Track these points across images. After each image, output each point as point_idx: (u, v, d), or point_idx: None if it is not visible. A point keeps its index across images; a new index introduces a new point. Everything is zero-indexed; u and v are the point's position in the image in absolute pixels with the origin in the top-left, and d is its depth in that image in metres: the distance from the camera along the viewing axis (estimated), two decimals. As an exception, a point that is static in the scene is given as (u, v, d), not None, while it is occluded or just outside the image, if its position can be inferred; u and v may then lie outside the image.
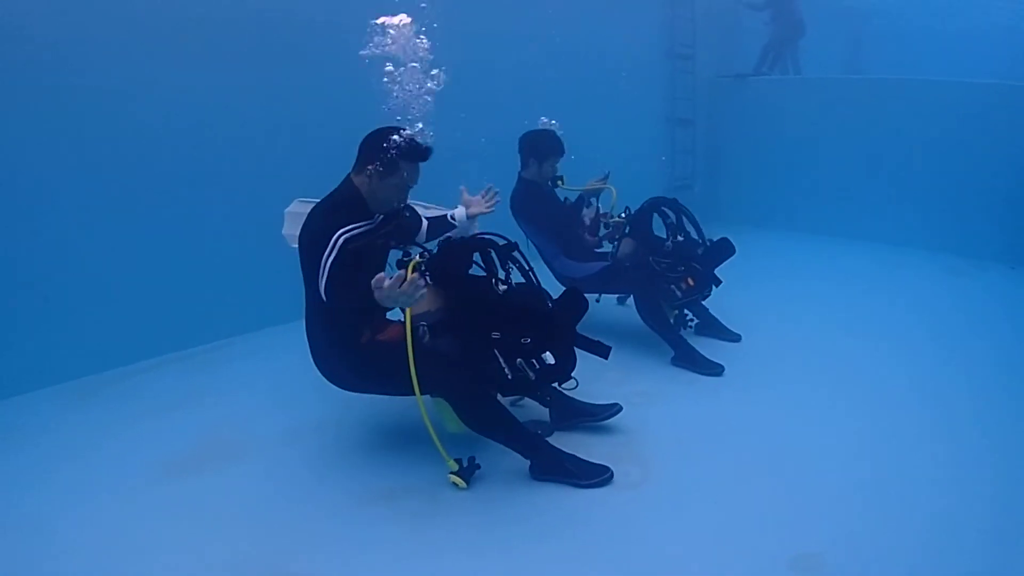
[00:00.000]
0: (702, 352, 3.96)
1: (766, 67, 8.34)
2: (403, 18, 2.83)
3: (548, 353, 2.65)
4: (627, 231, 4.14)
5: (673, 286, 3.93)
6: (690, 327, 4.37)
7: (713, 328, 4.38)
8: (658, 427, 3.31)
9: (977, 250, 5.92)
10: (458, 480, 2.80)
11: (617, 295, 4.90)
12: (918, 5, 9.31)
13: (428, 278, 2.59)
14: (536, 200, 4.32)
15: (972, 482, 2.78)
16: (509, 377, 2.63)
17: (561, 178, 4.38)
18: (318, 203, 2.79)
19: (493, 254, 2.80)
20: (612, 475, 2.84)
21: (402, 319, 2.75)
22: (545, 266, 4.43)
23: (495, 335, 2.62)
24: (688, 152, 7.78)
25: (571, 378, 2.85)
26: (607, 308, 4.72)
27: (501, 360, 2.63)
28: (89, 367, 4.13)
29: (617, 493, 2.80)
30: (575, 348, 2.75)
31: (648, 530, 2.58)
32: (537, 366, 2.63)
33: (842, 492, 2.74)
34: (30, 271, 3.90)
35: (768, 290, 5.17)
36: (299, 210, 3.08)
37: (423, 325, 2.70)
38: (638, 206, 4.15)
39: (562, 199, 4.53)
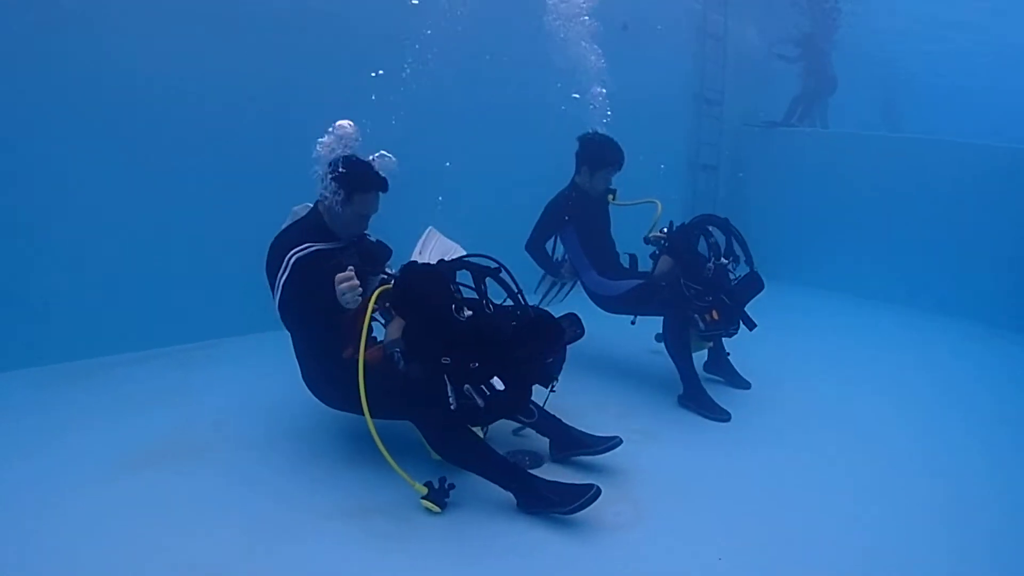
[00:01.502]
0: (711, 397, 3.74)
1: (795, 119, 8.23)
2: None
3: (497, 379, 2.44)
4: (665, 246, 3.83)
5: (697, 316, 3.64)
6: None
7: (723, 370, 4.13)
8: (655, 469, 3.09)
9: (994, 317, 5.66)
10: (431, 505, 2.60)
11: (657, 334, 4.23)
12: (950, 64, 9.17)
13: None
14: (577, 208, 4.06)
15: (982, 559, 2.54)
16: (452, 406, 2.45)
17: (614, 192, 4.12)
18: (285, 228, 2.88)
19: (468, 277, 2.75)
20: (598, 491, 2.57)
21: (381, 340, 2.73)
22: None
23: (445, 360, 2.46)
24: (710, 198, 7.61)
25: (531, 410, 2.77)
26: (619, 335, 4.40)
27: (448, 387, 2.46)
28: (76, 352, 4.10)
29: (607, 533, 2.58)
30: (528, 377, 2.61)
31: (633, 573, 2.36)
32: (487, 392, 2.42)
33: (840, 560, 2.49)
34: (24, 256, 3.90)
35: (783, 344, 4.91)
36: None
37: (397, 351, 2.61)
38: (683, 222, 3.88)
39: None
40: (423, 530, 2.53)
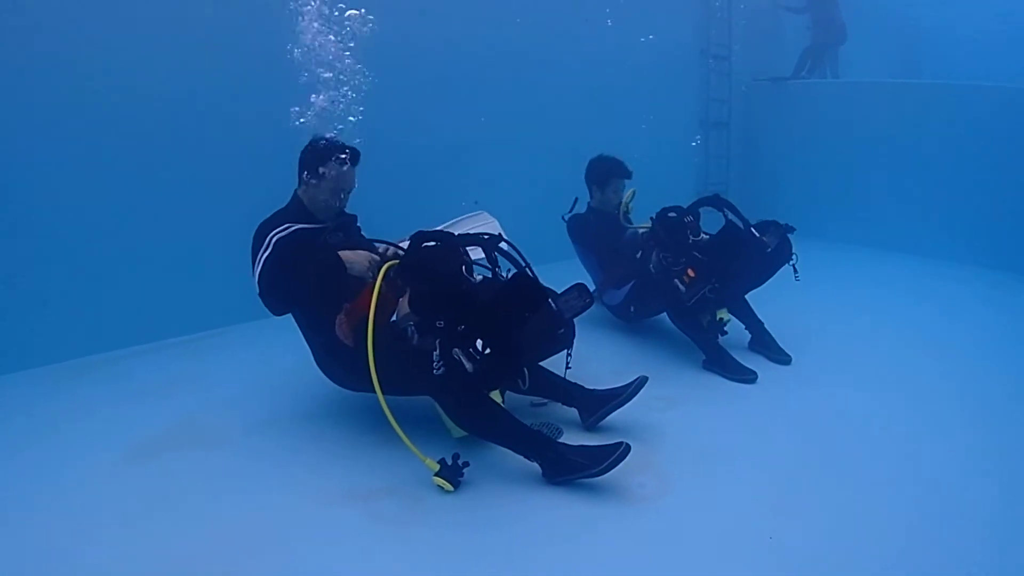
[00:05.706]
0: (738, 359, 3.59)
1: (804, 72, 7.95)
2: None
3: (480, 342, 2.31)
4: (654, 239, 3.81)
5: (677, 281, 3.59)
6: (725, 332, 3.80)
7: (764, 345, 3.88)
8: (680, 436, 2.93)
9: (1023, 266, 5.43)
10: (443, 483, 2.46)
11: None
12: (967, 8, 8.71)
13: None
14: (595, 227, 4.16)
15: None
16: (438, 371, 2.34)
17: (627, 206, 4.18)
18: (268, 216, 2.86)
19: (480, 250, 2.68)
20: (627, 448, 2.44)
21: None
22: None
23: (439, 323, 2.35)
24: (722, 156, 7.41)
25: (523, 373, 2.69)
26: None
27: (437, 351, 2.35)
28: (83, 348, 4.03)
29: (630, 505, 2.43)
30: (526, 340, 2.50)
31: (662, 549, 2.20)
32: (477, 356, 2.29)
33: (880, 521, 2.33)
34: (28, 252, 3.82)
35: (805, 300, 4.69)
36: None
37: (410, 326, 2.53)
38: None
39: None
40: (433, 511, 2.39)
